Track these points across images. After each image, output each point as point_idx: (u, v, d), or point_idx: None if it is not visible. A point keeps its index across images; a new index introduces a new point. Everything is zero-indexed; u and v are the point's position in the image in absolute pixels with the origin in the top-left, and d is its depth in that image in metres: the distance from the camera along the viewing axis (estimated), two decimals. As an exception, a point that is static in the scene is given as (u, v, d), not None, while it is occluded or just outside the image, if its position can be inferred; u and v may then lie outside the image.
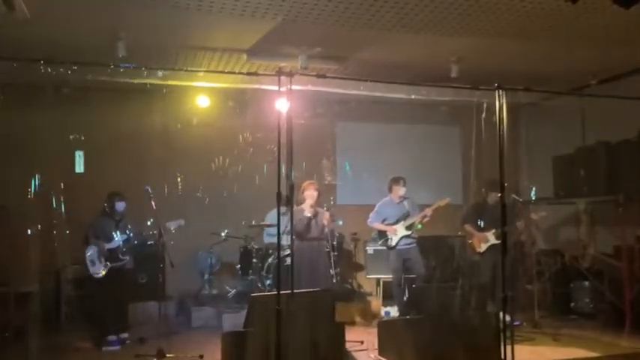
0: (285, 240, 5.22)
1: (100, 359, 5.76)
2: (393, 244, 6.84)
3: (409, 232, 6.83)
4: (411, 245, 6.87)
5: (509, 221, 6.39)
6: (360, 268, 8.33)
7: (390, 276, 7.09)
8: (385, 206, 7.02)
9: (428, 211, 6.75)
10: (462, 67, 6.63)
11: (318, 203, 6.49)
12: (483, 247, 6.78)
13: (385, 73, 7.00)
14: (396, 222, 6.89)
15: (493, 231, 6.64)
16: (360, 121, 8.78)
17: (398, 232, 6.84)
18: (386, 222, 6.95)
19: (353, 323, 6.91)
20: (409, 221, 6.83)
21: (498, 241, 6.53)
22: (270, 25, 5.62)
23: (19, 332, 6.03)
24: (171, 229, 5.91)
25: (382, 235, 6.99)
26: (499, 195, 6.57)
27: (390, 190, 6.99)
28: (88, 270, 6.00)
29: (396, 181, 6.94)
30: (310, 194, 6.33)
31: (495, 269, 6.52)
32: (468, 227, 6.95)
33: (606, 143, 7.09)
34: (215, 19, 5.45)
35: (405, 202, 6.94)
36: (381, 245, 7.12)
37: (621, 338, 6.01)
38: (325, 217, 6.36)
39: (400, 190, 6.91)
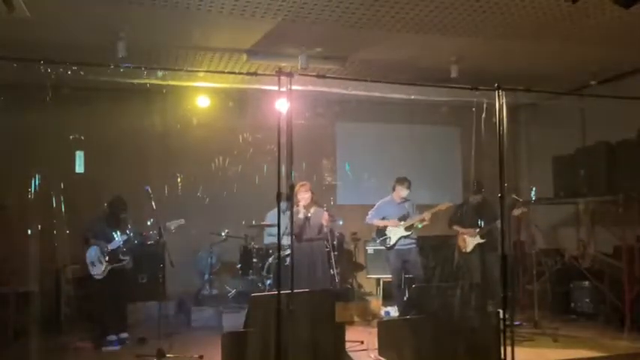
0: (286, 240, 5.22)
1: (100, 359, 5.76)
2: (391, 243, 6.83)
3: (408, 233, 6.82)
4: (411, 246, 6.85)
5: (489, 220, 6.59)
6: (360, 267, 8.33)
7: (390, 276, 7.09)
8: (386, 205, 7.01)
9: (426, 215, 6.73)
10: (462, 67, 6.64)
11: (316, 203, 6.48)
12: (469, 247, 6.82)
13: (385, 73, 7.01)
14: (395, 222, 6.90)
15: (477, 230, 6.77)
16: (360, 121, 8.77)
17: (397, 231, 6.83)
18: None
19: (353, 323, 6.90)
20: (408, 222, 6.82)
21: (483, 240, 6.72)
22: (270, 25, 5.62)
23: (19, 332, 6.03)
24: (172, 228, 5.92)
25: (381, 233, 6.97)
26: (480, 195, 6.79)
27: (394, 189, 6.98)
28: (88, 271, 6.00)
29: (400, 181, 6.91)
30: (302, 196, 6.32)
31: (485, 268, 6.60)
32: (456, 227, 7.02)
33: (606, 143, 7.08)
34: (215, 19, 5.45)
35: (406, 204, 6.93)
36: (379, 244, 7.12)
37: (621, 338, 6.01)
38: (324, 217, 6.35)
39: (403, 191, 6.89)
